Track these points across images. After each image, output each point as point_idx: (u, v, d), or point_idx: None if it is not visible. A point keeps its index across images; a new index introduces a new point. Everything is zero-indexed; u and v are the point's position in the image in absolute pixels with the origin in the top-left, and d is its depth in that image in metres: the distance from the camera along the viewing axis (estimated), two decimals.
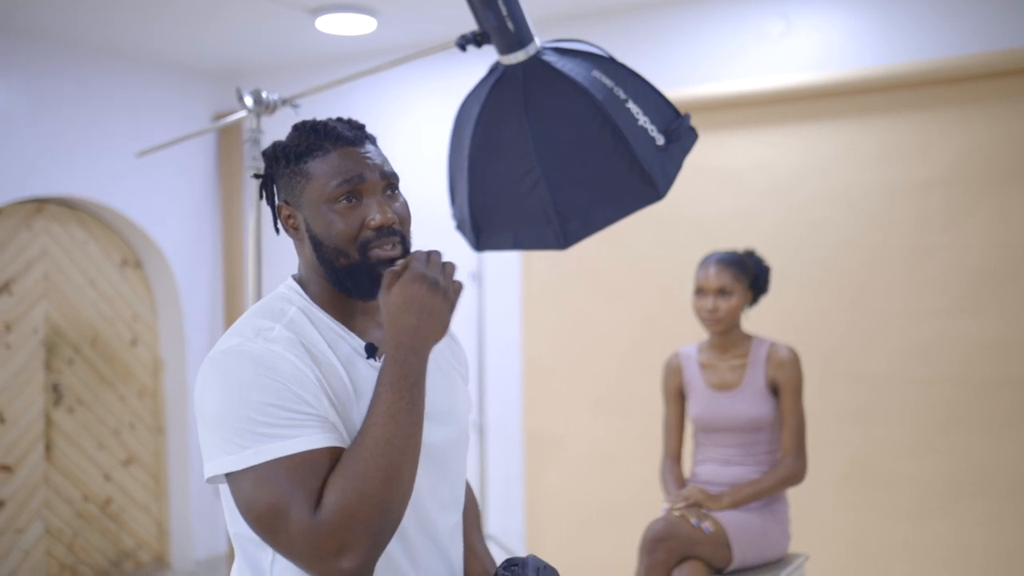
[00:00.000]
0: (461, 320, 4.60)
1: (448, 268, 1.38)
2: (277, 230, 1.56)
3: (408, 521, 1.43)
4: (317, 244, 1.46)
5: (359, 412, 1.39)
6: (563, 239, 2.11)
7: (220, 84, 5.23)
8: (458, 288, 1.39)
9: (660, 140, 2.13)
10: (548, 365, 4.45)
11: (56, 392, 4.68)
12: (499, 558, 4.73)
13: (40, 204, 4.65)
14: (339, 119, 1.53)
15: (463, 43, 2.19)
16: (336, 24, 4.33)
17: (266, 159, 1.53)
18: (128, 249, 5.05)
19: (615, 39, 4.25)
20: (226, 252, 5.28)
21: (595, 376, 4.34)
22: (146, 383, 5.09)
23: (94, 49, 4.66)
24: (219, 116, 5.20)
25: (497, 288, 4.57)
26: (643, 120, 2.12)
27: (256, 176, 1.60)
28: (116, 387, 4.95)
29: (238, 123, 2.82)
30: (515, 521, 4.55)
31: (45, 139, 4.49)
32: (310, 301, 1.49)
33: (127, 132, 4.76)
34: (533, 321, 4.48)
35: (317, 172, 1.45)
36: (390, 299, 1.34)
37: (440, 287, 1.34)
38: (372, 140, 1.52)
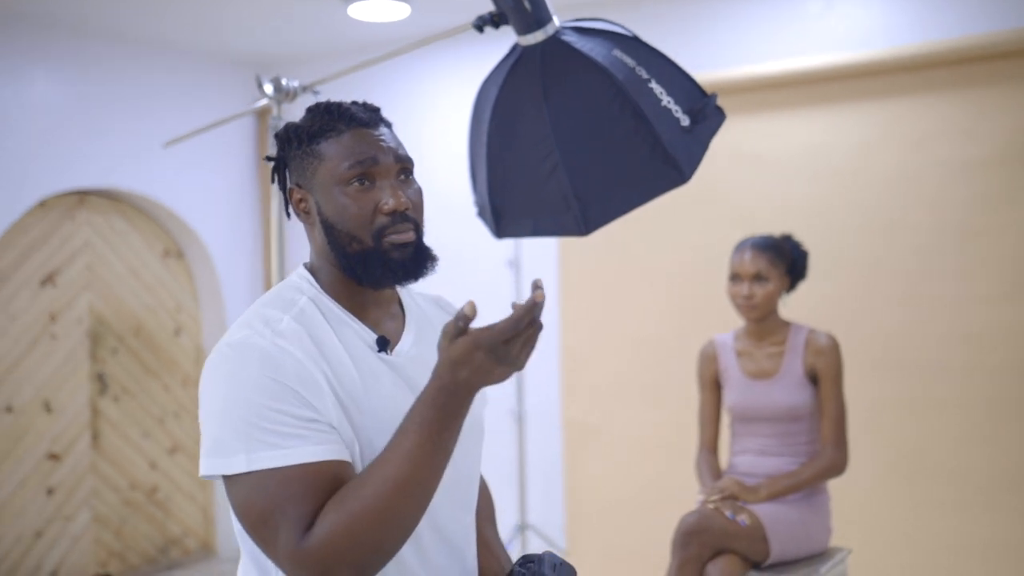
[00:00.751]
0: (498, 310, 4.55)
1: (526, 349, 1.21)
2: (288, 215, 1.53)
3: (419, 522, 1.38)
4: (329, 228, 1.41)
5: (368, 407, 1.35)
6: (584, 225, 2.05)
7: (253, 73, 5.22)
8: (529, 354, 1.23)
9: (685, 121, 2.05)
10: (586, 353, 4.38)
11: (101, 381, 4.74)
12: (541, 548, 4.70)
13: (82, 196, 4.70)
14: (354, 102, 1.48)
15: (480, 24, 2.13)
16: (369, 11, 4.29)
17: (278, 141, 1.49)
18: (169, 239, 5.09)
19: (650, 21, 4.16)
20: (266, 240, 5.31)
21: (634, 364, 4.26)
22: (189, 372, 5.13)
23: (132, 41, 4.69)
24: None
25: (534, 275, 4.51)
26: (667, 100, 2.04)
27: (268, 159, 1.55)
28: (160, 376, 5.00)
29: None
30: (555, 511, 4.50)
31: (86, 132, 4.53)
32: (321, 290, 1.44)
33: (166, 123, 4.77)
34: (571, 309, 4.42)
35: (330, 153, 1.41)
36: (449, 352, 1.20)
37: (508, 361, 1.20)
38: (387, 124, 1.48)
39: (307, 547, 1.20)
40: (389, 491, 1.20)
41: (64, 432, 4.60)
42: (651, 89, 2.03)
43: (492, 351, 1.18)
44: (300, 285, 1.46)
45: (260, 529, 1.24)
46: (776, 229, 3.47)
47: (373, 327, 1.46)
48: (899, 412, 3.70)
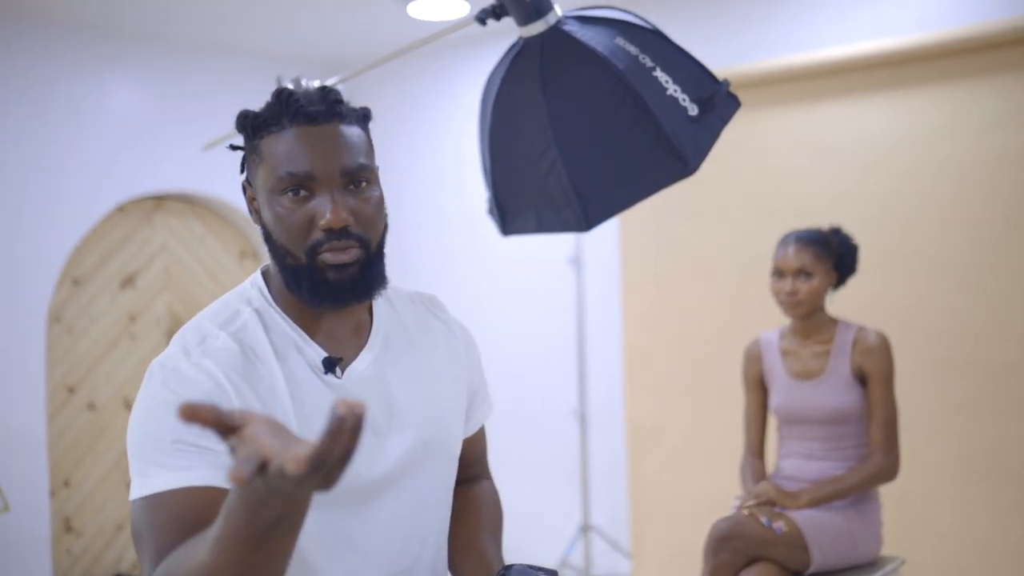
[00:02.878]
0: (560, 307, 4.49)
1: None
2: (250, 212, 1.38)
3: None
4: (267, 236, 1.31)
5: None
6: (584, 221, 1.98)
7: (319, 75, 5.31)
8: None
9: (693, 110, 1.96)
10: (649, 352, 4.28)
11: None
12: (605, 549, 4.59)
13: (159, 200, 4.85)
14: (321, 87, 1.32)
15: (483, 17, 2.09)
16: (428, 10, 4.29)
17: (236, 128, 1.34)
18: (245, 241, 5.22)
19: (701, 9, 4.04)
20: None
21: (697, 363, 4.14)
22: None
23: (205, 48, 4.82)
24: None
25: (596, 273, 4.43)
26: (672, 89, 1.95)
27: (233, 148, 1.41)
28: None
29: None
30: (619, 512, 4.41)
31: (162, 137, 4.67)
32: (270, 301, 1.33)
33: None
34: (633, 308, 4.32)
35: (268, 154, 1.27)
36: None
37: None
38: (346, 117, 1.29)
39: None
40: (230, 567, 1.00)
41: None
42: (655, 78, 1.95)
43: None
44: (249, 294, 1.34)
45: (140, 552, 1.17)
46: (841, 221, 3.32)
47: (325, 343, 1.32)
48: (968, 413, 3.48)
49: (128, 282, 4.73)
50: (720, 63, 3.82)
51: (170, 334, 4.85)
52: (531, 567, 1.39)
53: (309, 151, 1.25)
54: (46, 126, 4.28)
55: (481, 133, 2.17)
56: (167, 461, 1.15)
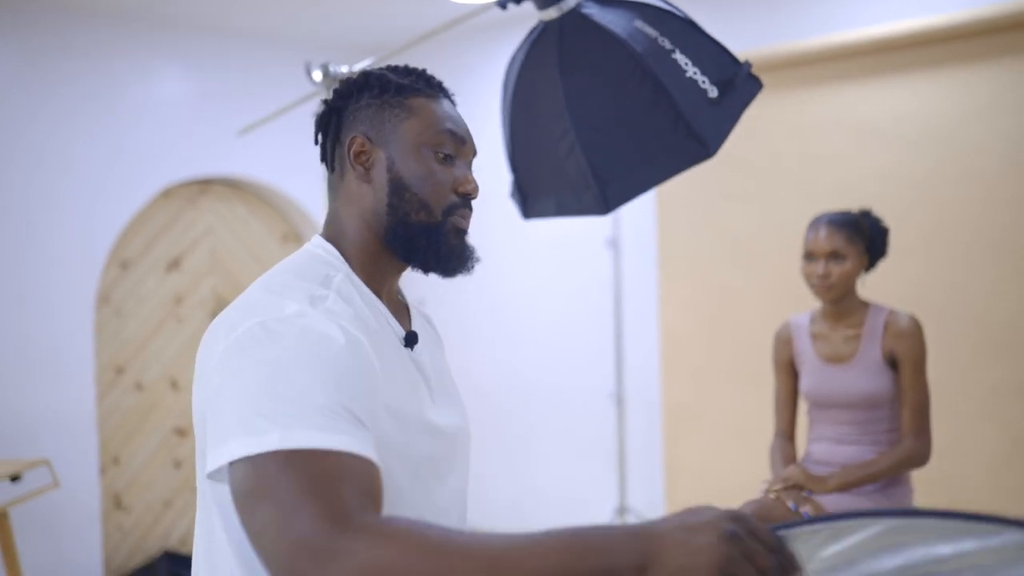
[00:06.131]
0: (597, 289, 4.49)
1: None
2: (332, 167, 1.33)
3: None
4: (399, 189, 1.27)
5: (412, 401, 1.24)
6: (604, 204, 1.98)
7: (361, 60, 5.34)
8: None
9: (713, 92, 1.95)
10: (686, 334, 4.26)
11: None
12: None
13: (204, 184, 4.94)
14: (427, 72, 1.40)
15: (504, 1, 2.09)
16: None
17: (350, 86, 1.33)
18: (287, 224, 5.29)
19: None
20: None
21: (733, 346, 4.12)
22: None
23: (248, 35, 4.88)
24: None
25: (633, 256, 4.42)
26: (692, 71, 1.94)
27: (325, 103, 1.36)
28: None
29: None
30: (655, 493, 4.42)
31: (206, 123, 4.75)
32: (351, 270, 1.28)
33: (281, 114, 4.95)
34: (670, 290, 4.31)
35: (424, 110, 1.30)
36: (702, 514, 0.92)
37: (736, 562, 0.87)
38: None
39: (348, 535, 0.90)
40: (474, 567, 0.88)
41: (190, 408, 4.85)
42: (675, 60, 1.94)
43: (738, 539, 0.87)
44: (328, 260, 1.27)
45: (269, 512, 0.94)
46: (881, 201, 3.27)
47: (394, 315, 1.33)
48: (1008, 398, 3.42)
49: (174, 265, 4.83)
50: (758, 43, 3.77)
51: (215, 315, 4.93)
52: None
53: (460, 120, 1.35)
54: (94, 114, 4.38)
55: (503, 117, 2.19)
56: (325, 423, 1.00)
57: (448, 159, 1.30)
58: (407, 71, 1.35)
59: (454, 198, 1.29)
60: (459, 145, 1.31)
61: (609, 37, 1.93)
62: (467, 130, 1.35)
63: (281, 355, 1.05)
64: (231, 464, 1.01)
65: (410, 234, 1.27)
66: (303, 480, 0.95)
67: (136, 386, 4.68)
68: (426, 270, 1.32)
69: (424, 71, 1.37)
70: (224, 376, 1.08)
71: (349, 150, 1.30)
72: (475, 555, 0.88)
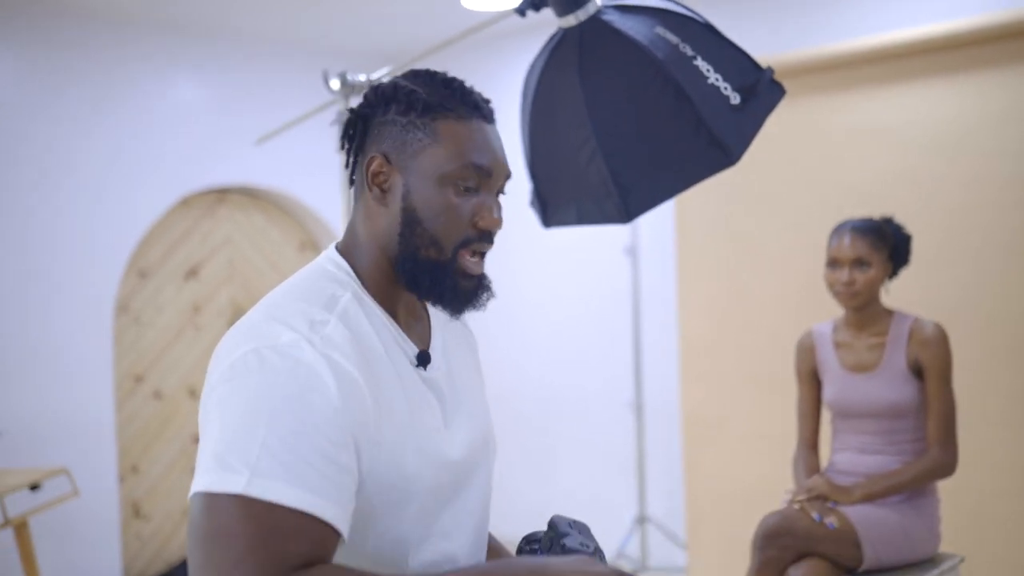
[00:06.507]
0: (616, 297, 4.47)
1: None
2: (352, 181, 1.28)
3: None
4: (411, 220, 1.21)
5: (412, 432, 1.18)
6: (625, 212, 1.96)
7: (380, 69, 5.34)
8: None
9: (735, 99, 1.93)
10: (705, 342, 4.23)
11: None
12: (661, 540, 4.55)
13: (222, 193, 4.95)
14: (471, 87, 1.28)
15: (523, 9, 2.08)
16: (482, 1, 4.28)
17: (375, 96, 1.25)
18: (306, 233, 5.29)
19: None
20: None
21: (754, 354, 4.08)
22: None
23: (266, 43, 4.89)
24: None
25: (651, 262, 4.40)
26: (714, 78, 1.92)
27: (351, 111, 1.28)
28: None
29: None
30: (675, 503, 4.38)
31: (224, 132, 4.76)
32: (361, 286, 1.23)
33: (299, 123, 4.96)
34: (689, 298, 4.27)
35: (449, 136, 1.20)
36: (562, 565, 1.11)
37: None
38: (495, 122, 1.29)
39: None
40: None
41: None
42: (696, 67, 1.92)
43: None
44: (338, 276, 1.22)
45: (216, 554, 1.00)
46: (900, 206, 3.23)
47: (407, 333, 1.26)
48: None
49: (192, 274, 4.84)
50: (777, 49, 3.75)
51: (233, 324, 4.93)
52: (566, 518, 1.37)
53: (491, 148, 1.23)
54: (112, 123, 4.40)
55: (522, 125, 2.17)
56: (294, 476, 1.03)
57: (470, 191, 1.22)
58: (444, 83, 1.24)
59: (470, 232, 1.22)
60: (486, 178, 1.22)
61: (630, 43, 1.91)
62: (497, 158, 1.24)
63: (268, 392, 1.06)
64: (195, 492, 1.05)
65: (416, 270, 1.22)
66: (257, 532, 1.00)
67: (155, 394, 4.69)
68: (432, 304, 1.28)
69: (462, 84, 1.25)
70: (214, 403, 1.11)
71: (368, 169, 1.23)
72: None
